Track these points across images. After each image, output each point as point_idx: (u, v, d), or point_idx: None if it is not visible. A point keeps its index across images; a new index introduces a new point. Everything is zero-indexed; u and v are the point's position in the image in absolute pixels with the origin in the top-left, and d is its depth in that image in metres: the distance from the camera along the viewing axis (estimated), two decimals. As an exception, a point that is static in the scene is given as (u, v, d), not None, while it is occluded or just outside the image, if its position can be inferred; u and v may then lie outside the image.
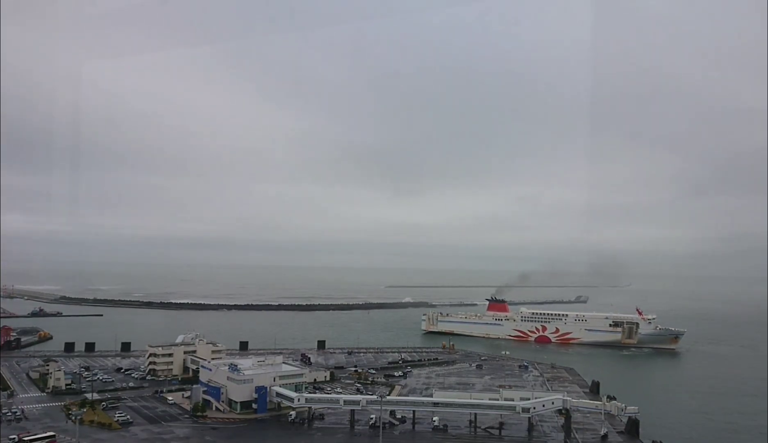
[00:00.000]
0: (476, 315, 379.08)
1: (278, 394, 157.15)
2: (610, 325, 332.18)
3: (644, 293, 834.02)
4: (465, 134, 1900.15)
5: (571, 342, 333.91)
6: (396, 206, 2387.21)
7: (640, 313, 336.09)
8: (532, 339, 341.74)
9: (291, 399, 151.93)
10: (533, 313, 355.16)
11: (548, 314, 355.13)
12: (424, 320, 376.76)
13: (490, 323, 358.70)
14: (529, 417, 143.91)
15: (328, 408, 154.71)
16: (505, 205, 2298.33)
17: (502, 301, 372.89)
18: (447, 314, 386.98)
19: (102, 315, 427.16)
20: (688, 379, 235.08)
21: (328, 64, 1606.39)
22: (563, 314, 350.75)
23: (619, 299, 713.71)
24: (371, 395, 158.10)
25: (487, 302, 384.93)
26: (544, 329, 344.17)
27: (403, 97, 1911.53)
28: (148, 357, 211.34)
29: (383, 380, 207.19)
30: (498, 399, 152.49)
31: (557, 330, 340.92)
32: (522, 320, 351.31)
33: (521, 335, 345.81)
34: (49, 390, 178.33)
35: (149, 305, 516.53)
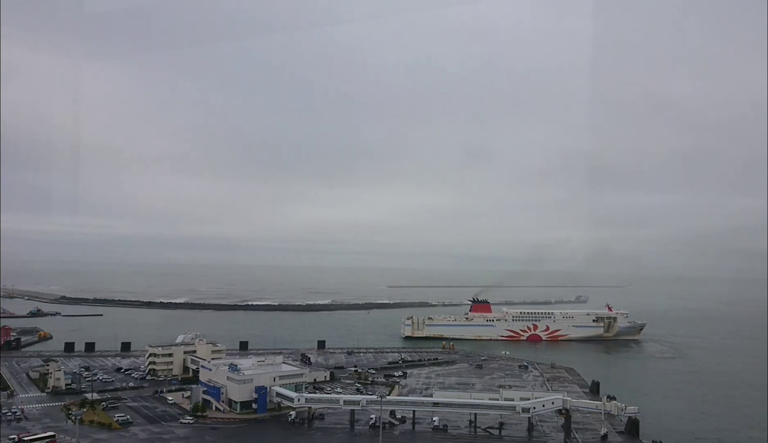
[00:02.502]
0: (466, 317, 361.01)
1: (278, 394, 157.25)
2: (594, 320, 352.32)
3: (642, 293, 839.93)
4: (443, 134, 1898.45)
5: (560, 338, 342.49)
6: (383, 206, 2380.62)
7: (610, 309, 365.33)
8: (524, 338, 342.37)
9: (291, 399, 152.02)
10: (522, 313, 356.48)
11: (538, 313, 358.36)
12: (408, 324, 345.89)
13: (482, 325, 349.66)
14: (529, 417, 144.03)
15: (328, 408, 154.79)
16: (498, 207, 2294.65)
17: (485, 301, 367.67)
18: (430, 318, 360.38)
19: (102, 315, 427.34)
20: (687, 379, 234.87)
21: (301, 67, 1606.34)
22: (550, 313, 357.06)
23: (619, 300, 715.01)
24: (371, 395, 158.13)
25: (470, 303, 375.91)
26: (535, 327, 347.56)
27: (389, 96, 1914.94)
28: (148, 357, 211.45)
29: (383, 380, 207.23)
30: (498, 399, 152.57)
31: (547, 328, 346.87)
32: (513, 320, 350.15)
33: (513, 335, 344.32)
34: (49, 390, 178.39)
35: (149, 305, 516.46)
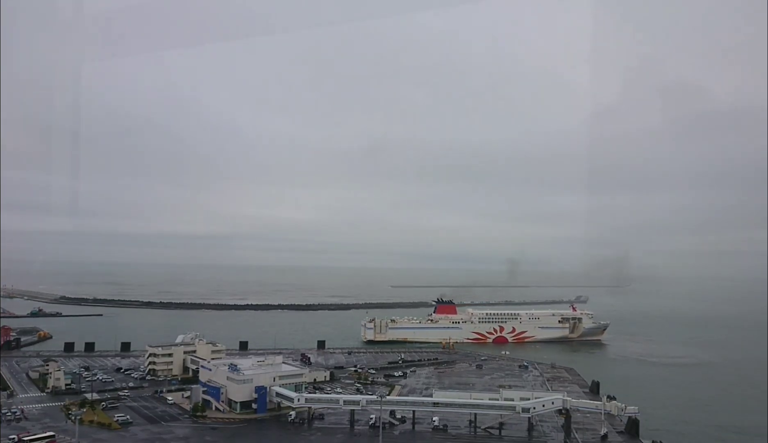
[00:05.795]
0: (430, 319, 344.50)
1: (278, 394, 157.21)
2: (559, 321, 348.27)
3: (639, 293, 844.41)
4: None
5: (526, 340, 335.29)
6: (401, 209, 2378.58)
7: (574, 309, 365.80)
8: (490, 340, 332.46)
9: (291, 399, 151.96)
10: (488, 314, 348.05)
11: (504, 314, 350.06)
12: (370, 328, 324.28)
13: (448, 327, 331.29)
14: (529, 417, 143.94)
15: (328, 408, 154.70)
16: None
17: (450, 302, 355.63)
18: (393, 320, 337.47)
19: (102, 315, 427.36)
20: (686, 379, 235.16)
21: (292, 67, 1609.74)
22: (516, 314, 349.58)
23: (618, 300, 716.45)
24: (371, 395, 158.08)
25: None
26: (502, 329, 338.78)
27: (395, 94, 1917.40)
28: (147, 357, 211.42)
29: (383, 380, 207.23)
30: (498, 399, 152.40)
31: (513, 330, 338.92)
32: (480, 322, 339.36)
33: (480, 337, 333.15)
34: (49, 390, 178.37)
35: (149, 305, 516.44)
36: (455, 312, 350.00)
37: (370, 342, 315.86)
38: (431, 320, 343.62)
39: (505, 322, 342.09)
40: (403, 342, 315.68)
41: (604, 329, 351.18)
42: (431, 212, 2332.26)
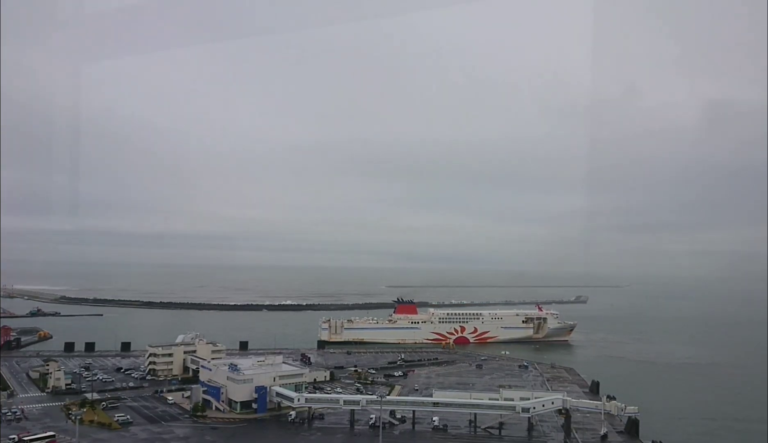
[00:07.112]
0: (389, 319, 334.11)
1: (278, 394, 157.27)
2: (523, 321, 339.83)
3: (636, 293, 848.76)
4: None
5: (488, 341, 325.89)
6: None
7: (540, 309, 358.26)
8: (451, 341, 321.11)
9: (291, 399, 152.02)
10: (449, 314, 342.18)
11: (465, 314, 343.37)
12: (325, 328, 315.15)
13: (406, 328, 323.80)
14: (529, 417, 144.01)
15: (328, 408, 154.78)
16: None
17: (411, 302, 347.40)
18: (350, 320, 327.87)
19: (102, 315, 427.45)
20: (687, 379, 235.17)
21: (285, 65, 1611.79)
22: (479, 314, 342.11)
23: (617, 300, 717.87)
24: (371, 395, 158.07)
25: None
26: (463, 329, 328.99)
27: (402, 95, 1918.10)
28: (148, 357, 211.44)
29: (383, 380, 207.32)
30: (498, 399, 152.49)
31: (475, 330, 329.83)
32: (440, 322, 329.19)
33: (440, 337, 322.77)
34: (49, 390, 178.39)
35: (149, 305, 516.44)
36: (415, 312, 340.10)
37: (325, 343, 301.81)
38: (390, 320, 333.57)
39: (467, 322, 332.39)
40: (359, 343, 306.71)
41: (571, 330, 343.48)
42: (431, 212, 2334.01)
